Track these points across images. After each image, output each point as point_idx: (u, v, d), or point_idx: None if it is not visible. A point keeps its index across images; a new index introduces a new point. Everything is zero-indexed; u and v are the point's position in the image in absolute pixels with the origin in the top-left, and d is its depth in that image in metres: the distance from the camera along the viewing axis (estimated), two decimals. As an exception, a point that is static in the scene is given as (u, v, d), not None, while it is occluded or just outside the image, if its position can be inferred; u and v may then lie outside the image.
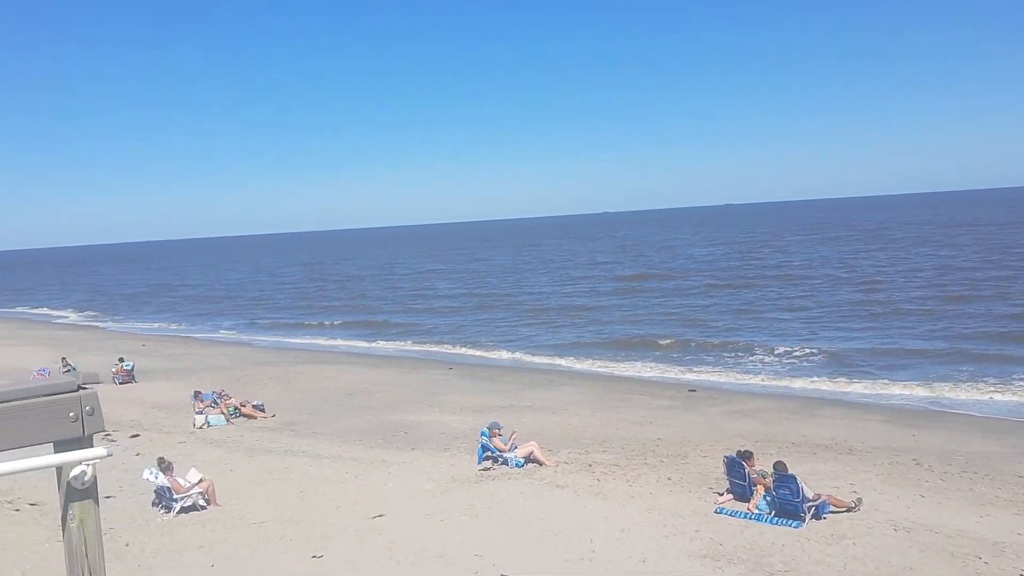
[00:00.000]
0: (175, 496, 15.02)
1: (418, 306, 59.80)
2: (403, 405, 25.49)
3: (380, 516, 14.42)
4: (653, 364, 33.40)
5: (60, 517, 2.76)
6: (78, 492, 2.71)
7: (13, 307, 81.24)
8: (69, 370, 31.02)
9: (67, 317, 68.86)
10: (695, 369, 31.82)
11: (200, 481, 15.47)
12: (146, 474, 15.17)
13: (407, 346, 42.49)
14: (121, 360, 32.01)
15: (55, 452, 2.65)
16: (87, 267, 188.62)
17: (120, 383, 30.30)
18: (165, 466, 15.36)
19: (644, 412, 23.66)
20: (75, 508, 2.70)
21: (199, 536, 13.80)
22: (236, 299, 76.62)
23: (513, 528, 13.69)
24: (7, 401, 2.59)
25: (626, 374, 31.76)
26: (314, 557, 12.54)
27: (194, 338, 50.32)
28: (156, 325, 58.38)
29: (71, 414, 2.68)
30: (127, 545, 13.16)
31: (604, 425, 21.96)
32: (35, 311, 75.75)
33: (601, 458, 18.38)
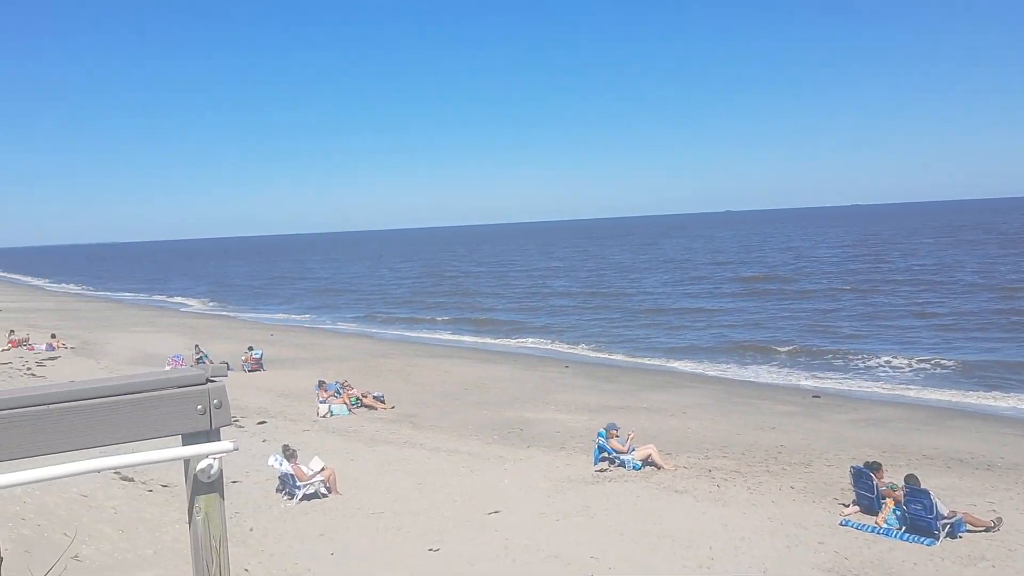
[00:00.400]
0: (298, 483, 15.40)
1: (534, 303, 59.89)
2: (519, 402, 25.51)
3: (496, 512, 14.43)
4: (774, 368, 32.49)
5: (188, 506, 2.76)
6: (204, 485, 2.70)
7: (151, 295, 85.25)
8: (201, 357, 32.30)
9: (198, 306, 71.87)
10: (818, 375, 30.76)
11: (322, 469, 15.82)
12: (271, 460, 15.60)
13: (523, 343, 42.58)
14: (250, 349, 33.15)
15: (183, 444, 2.65)
16: (216, 259, 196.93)
17: (249, 371, 31.37)
18: (289, 453, 15.77)
19: (765, 417, 22.99)
20: (201, 501, 2.69)
21: (320, 524, 14.10)
22: (357, 292, 78.51)
23: (629, 531, 13.48)
24: (139, 392, 2.59)
25: (746, 378, 30.95)
26: (431, 550, 12.63)
27: (318, 329, 51.77)
28: (282, 315, 60.34)
29: (199, 407, 2.67)
30: (251, 530, 13.55)
31: (724, 430, 21.44)
32: (170, 299, 79.34)
33: (721, 463, 17.94)
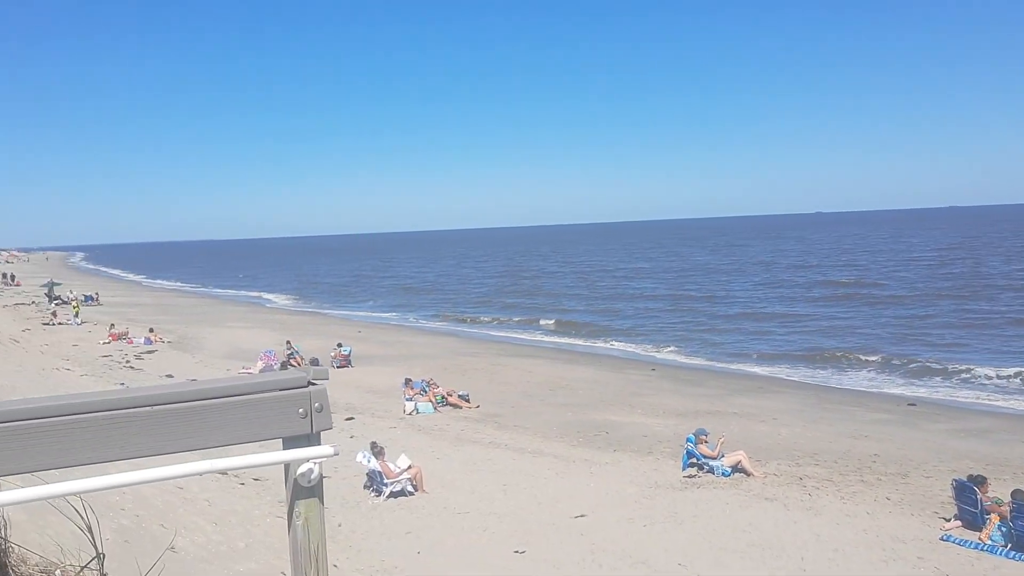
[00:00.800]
0: (385, 480, 15.54)
1: (619, 305, 59.43)
2: (604, 404, 25.31)
3: (582, 516, 14.31)
4: (866, 375, 31.57)
5: (283, 499, 2.74)
6: (304, 490, 2.67)
7: (240, 291, 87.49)
8: (292, 353, 32.92)
9: (286, 303, 73.36)
10: (913, 383, 29.75)
11: (409, 467, 15.94)
12: (359, 457, 15.78)
13: (608, 344, 42.30)
14: (339, 345, 33.71)
15: (284, 448, 2.63)
16: (301, 258, 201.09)
17: (338, 367, 31.87)
18: (377, 451, 15.93)
19: (858, 425, 22.33)
20: (301, 506, 2.67)
21: (406, 522, 14.19)
22: (442, 291, 79.21)
23: (719, 539, 13.21)
24: (241, 394, 2.58)
25: (837, 384, 30.11)
26: (516, 552, 12.58)
27: (404, 326, 52.40)
28: (369, 313, 61.22)
29: (300, 410, 2.65)
30: (339, 525, 13.72)
31: (815, 437, 20.89)
32: (259, 296, 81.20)
33: (813, 471, 17.48)
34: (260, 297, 79.54)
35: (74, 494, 2.30)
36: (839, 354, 35.33)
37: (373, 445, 16.20)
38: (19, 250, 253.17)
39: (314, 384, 2.74)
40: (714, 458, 17.34)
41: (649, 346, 40.65)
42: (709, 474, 17.11)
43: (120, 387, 25.37)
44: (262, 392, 2.60)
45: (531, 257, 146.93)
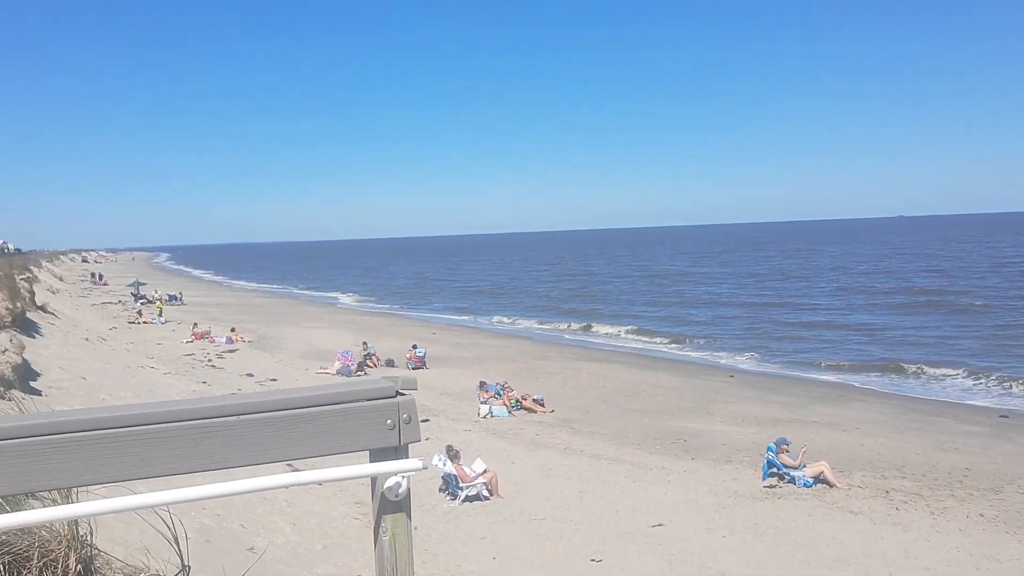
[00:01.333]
0: (461, 484, 15.51)
1: (694, 310, 58.66)
2: (681, 411, 24.92)
3: (659, 525, 14.05)
4: (954, 384, 30.48)
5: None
6: (391, 504, 2.57)
7: (316, 291, 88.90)
8: (368, 354, 33.25)
9: (361, 303, 74.22)
10: (1006, 394, 28.61)
11: (484, 471, 15.88)
12: (435, 460, 15.78)
13: (684, 350, 41.72)
14: (414, 346, 33.91)
15: (371, 460, 2.53)
16: (374, 259, 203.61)
17: (413, 368, 32.08)
18: (453, 454, 15.91)
19: (947, 437, 21.53)
20: (388, 520, 2.56)
21: (482, 526, 14.12)
22: (513, 293, 79.13)
23: (801, 553, 12.83)
24: (328, 404, 2.49)
25: (923, 395, 29.12)
26: (593, 560, 12.41)
27: (477, 328, 52.51)
28: (444, 315, 61.53)
29: (388, 422, 2.55)
30: (415, 528, 13.69)
31: (901, 448, 20.20)
32: (334, 296, 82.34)
33: (899, 484, 16.89)
34: (335, 298, 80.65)
35: (161, 505, 2.25)
36: (923, 364, 34.16)
37: (449, 448, 16.19)
38: (107, 251, 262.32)
39: (402, 394, 2.65)
40: (796, 468, 16.89)
41: (726, 352, 39.91)
42: (790, 484, 16.67)
43: (202, 385, 25.95)
44: (349, 402, 2.52)
45: (603, 260, 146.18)
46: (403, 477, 2.52)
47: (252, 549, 9.27)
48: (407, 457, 2.57)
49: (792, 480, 16.75)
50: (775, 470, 17.04)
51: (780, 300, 62.30)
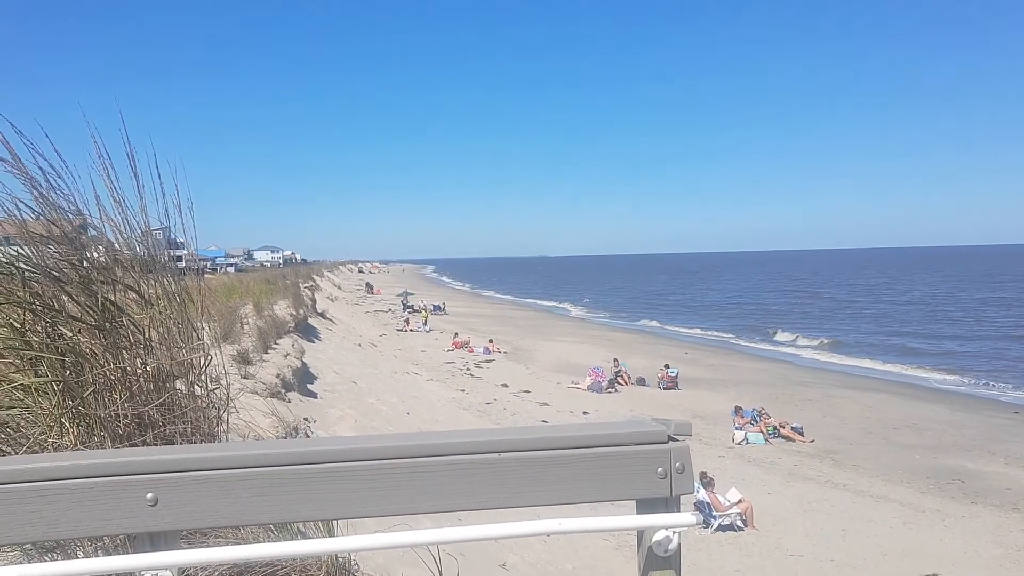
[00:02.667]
0: (714, 513, 15.05)
1: (972, 338, 53.77)
2: (958, 449, 22.84)
3: (934, 575, 12.91)
4: None
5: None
6: (659, 559, 2.37)
7: (575, 305, 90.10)
8: (619, 371, 33.24)
9: (614, 319, 74.33)
10: None
11: (739, 501, 15.34)
12: (688, 485, 15.41)
13: (960, 380, 38.30)
14: (667, 366, 33.47)
15: (637, 511, 2.36)
16: (634, 275, 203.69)
17: (664, 388, 31.70)
18: (707, 481, 15.50)
19: None
20: (654, 576, 2.37)
21: (735, 558, 13.62)
22: (770, 313, 76.23)
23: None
24: (594, 446, 2.33)
25: None
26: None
27: (733, 349, 51.03)
28: (697, 333, 60.33)
29: (659, 470, 2.34)
30: (667, 554, 13.42)
31: None
32: (590, 312, 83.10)
33: None
34: (586, 313, 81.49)
35: (421, 545, 2.20)
36: None
37: (703, 475, 15.79)
38: (380, 262, 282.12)
39: (675, 440, 2.47)
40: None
41: (1010, 386, 36.26)
42: (1092, 542, 14.80)
43: (461, 393, 27.01)
44: (617, 445, 2.37)
45: (883, 280, 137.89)
46: (674, 532, 2.35)
47: (504, 565, 9.41)
48: (678, 510, 2.39)
49: (1094, 537, 14.87)
50: (1073, 524, 15.20)
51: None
